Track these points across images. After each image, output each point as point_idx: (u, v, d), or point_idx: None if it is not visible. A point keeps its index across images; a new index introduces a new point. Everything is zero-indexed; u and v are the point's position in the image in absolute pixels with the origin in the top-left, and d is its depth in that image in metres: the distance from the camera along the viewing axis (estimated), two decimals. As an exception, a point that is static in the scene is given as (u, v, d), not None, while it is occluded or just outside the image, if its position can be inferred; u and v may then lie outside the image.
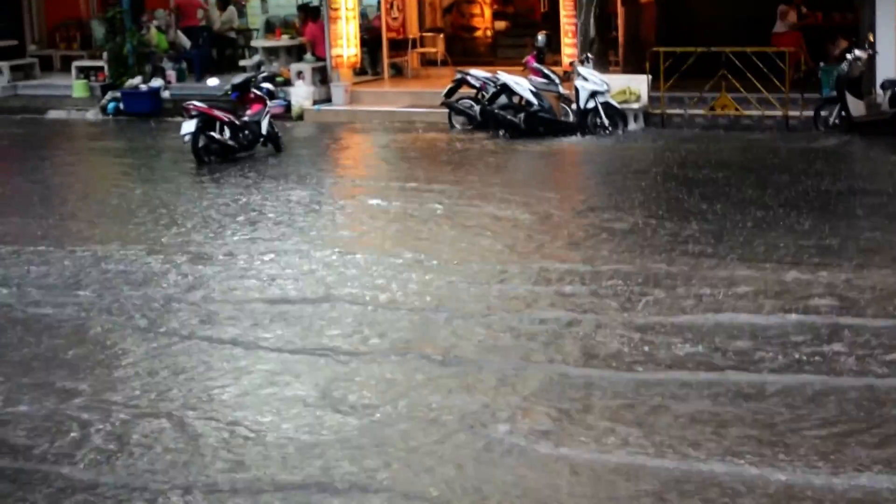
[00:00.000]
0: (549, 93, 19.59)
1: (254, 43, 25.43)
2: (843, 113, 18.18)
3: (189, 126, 17.64)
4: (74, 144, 21.56)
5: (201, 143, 17.79)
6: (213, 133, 17.81)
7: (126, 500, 6.88)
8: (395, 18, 24.76)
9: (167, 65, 24.63)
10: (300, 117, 22.19)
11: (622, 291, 10.45)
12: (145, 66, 24.29)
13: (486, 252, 12.12)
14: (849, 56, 18.20)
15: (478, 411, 7.94)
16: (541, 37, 21.22)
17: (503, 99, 19.62)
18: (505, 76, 19.73)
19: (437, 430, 7.67)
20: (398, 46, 24.90)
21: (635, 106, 19.55)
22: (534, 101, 19.32)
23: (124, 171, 18.52)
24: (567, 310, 10.05)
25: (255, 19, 27.10)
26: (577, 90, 19.27)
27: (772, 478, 6.82)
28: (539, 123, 19.29)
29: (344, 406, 8.12)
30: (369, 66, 24.30)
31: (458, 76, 20.50)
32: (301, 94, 22.44)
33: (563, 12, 21.02)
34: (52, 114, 24.33)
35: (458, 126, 20.25)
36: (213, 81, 20.46)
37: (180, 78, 24.66)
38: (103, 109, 23.79)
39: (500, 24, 27.00)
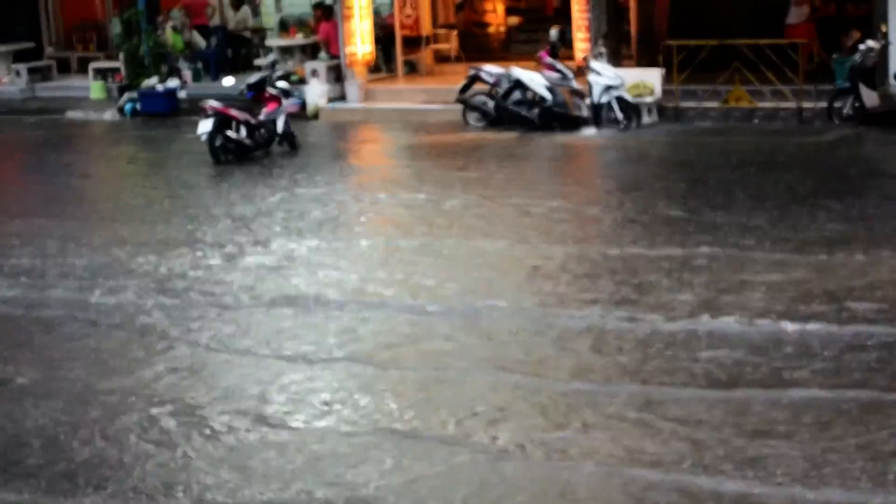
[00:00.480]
0: (563, 87, 19.67)
1: (268, 42, 25.53)
2: (857, 104, 18.19)
3: (205, 125, 17.75)
4: (93, 145, 21.70)
5: (218, 142, 17.91)
6: (229, 132, 17.93)
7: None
8: (408, 16, 24.82)
9: (183, 65, 24.76)
10: (315, 116, 22.29)
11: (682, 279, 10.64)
12: (161, 66, 24.39)
13: (544, 239, 12.41)
14: (862, 47, 18.21)
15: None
16: (554, 32, 21.26)
17: (517, 94, 19.70)
18: (518, 72, 19.81)
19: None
20: (412, 43, 24.97)
21: (649, 100, 19.58)
22: (547, 96, 19.40)
23: (143, 171, 18.71)
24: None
25: (270, 18, 27.19)
26: (590, 85, 19.32)
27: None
28: (553, 118, 19.36)
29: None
30: (383, 63, 24.37)
31: (472, 72, 20.53)
32: (316, 92, 22.53)
33: (575, 7, 21.04)
34: (70, 115, 24.48)
35: (472, 122, 20.31)
36: (228, 81, 20.59)
37: (196, 78, 24.79)
38: (120, 110, 23.92)
39: (513, 20, 27.03)
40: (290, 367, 9.01)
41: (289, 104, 19.20)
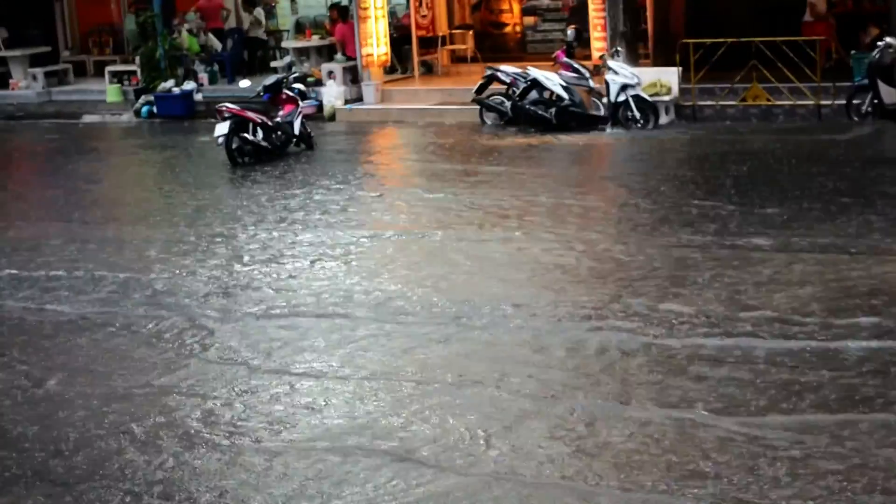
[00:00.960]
0: (580, 87, 19.63)
1: (284, 44, 25.58)
2: (876, 101, 18.09)
3: (222, 128, 17.75)
4: (110, 148, 21.73)
5: (235, 144, 17.91)
6: (246, 134, 17.93)
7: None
8: (424, 16, 24.82)
9: (199, 67, 24.79)
10: (332, 117, 22.29)
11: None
12: (177, 69, 24.44)
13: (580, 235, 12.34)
14: (880, 44, 18.10)
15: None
16: (570, 31, 21.27)
17: (534, 94, 19.68)
18: (535, 71, 19.78)
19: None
20: (428, 44, 24.96)
21: (666, 98, 19.53)
22: (564, 95, 19.36)
23: (161, 174, 18.69)
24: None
25: (286, 20, 27.24)
26: (607, 84, 19.27)
27: None
28: (570, 118, 19.32)
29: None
30: (399, 64, 24.36)
31: (489, 72, 20.52)
32: (332, 93, 22.53)
33: (591, 6, 21.01)
34: (87, 118, 24.54)
35: (489, 122, 20.29)
36: (244, 83, 20.62)
37: (212, 80, 24.81)
38: (137, 113, 23.97)
39: (529, 20, 27.00)
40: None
41: (305, 106, 19.19)
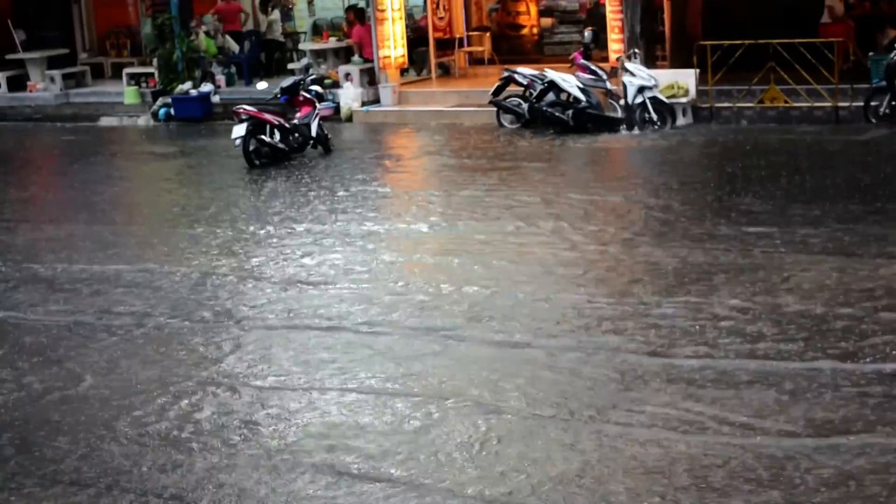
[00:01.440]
0: (597, 89, 19.63)
1: (301, 46, 25.61)
2: (894, 102, 18.05)
3: (239, 130, 17.80)
4: (128, 151, 21.79)
5: (252, 146, 17.95)
6: (263, 136, 17.98)
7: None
8: (441, 18, 24.83)
9: (216, 69, 24.84)
10: (349, 119, 22.32)
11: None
12: (195, 71, 24.49)
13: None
14: (898, 45, 18.11)
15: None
16: (587, 33, 21.26)
17: (551, 96, 19.67)
18: (552, 73, 19.79)
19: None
20: (445, 46, 24.97)
21: (683, 100, 19.49)
22: (581, 97, 19.35)
23: (179, 176, 18.72)
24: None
25: (303, 22, 27.25)
26: (624, 86, 19.26)
27: None
28: (587, 120, 19.31)
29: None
30: (414, 66, 24.37)
31: (506, 74, 20.53)
32: (349, 95, 22.56)
33: (609, 8, 20.99)
34: (105, 121, 24.63)
35: (506, 124, 20.29)
36: (262, 85, 20.67)
37: (230, 82, 24.85)
38: (154, 115, 24.04)
39: (547, 21, 26.99)
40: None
41: (322, 108, 19.22)
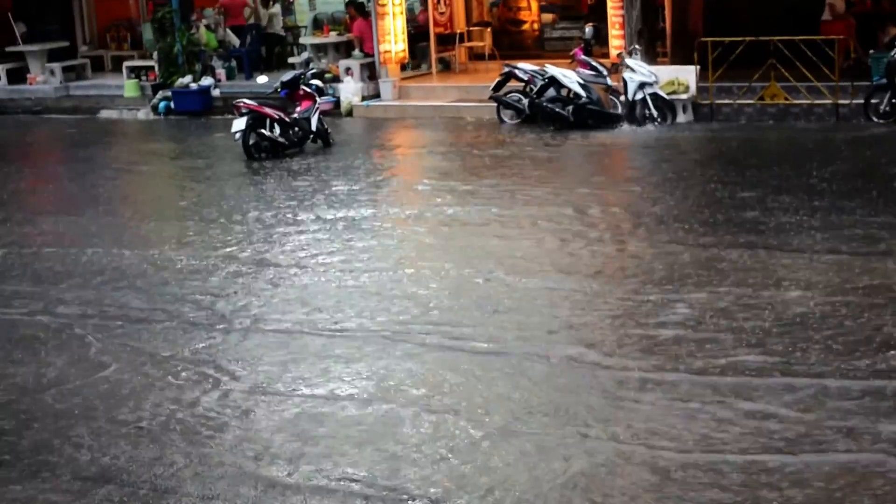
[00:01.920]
0: (598, 85, 19.59)
1: (302, 40, 25.58)
2: (894, 100, 18.05)
3: (239, 124, 17.80)
4: (128, 144, 21.76)
5: (252, 140, 17.95)
6: (263, 130, 17.97)
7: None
8: (441, 13, 24.81)
9: (217, 63, 24.81)
10: (349, 113, 22.32)
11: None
12: (195, 64, 24.46)
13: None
14: (899, 43, 18.10)
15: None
16: (588, 29, 21.26)
17: (551, 92, 19.65)
18: (553, 69, 19.77)
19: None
20: (446, 41, 24.95)
21: (684, 97, 19.48)
22: (582, 93, 19.33)
23: (179, 169, 18.75)
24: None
25: (303, 16, 27.22)
26: (625, 82, 19.24)
27: None
28: (588, 116, 19.30)
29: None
30: (412, 60, 24.35)
31: (506, 70, 20.52)
32: (350, 90, 22.55)
33: (610, 4, 20.95)
34: (105, 114, 24.62)
35: (506, 120, 20.28)
36: (262, 79, 20.65)
37: (230, 76, 24.84)
38: (154, 109, 24.03)
39: (548, 17, 26.96)
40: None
41: (322, 102, 19.21)
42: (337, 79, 22.85)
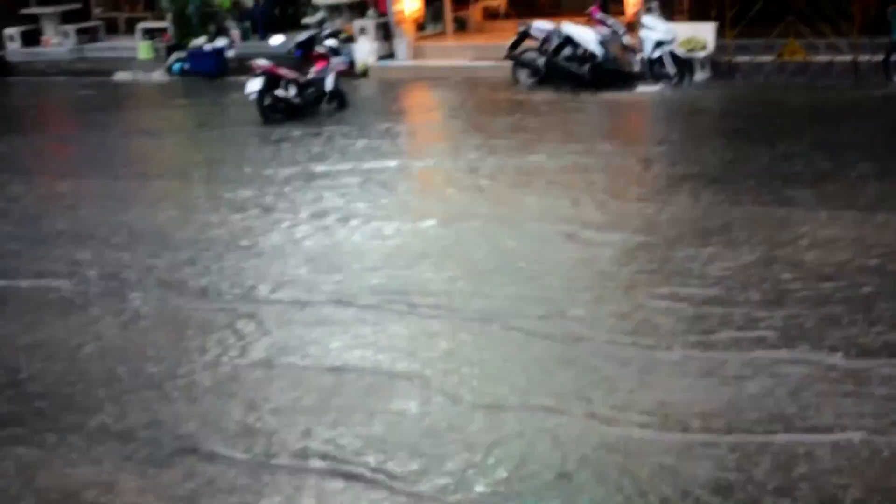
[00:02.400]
0: (614, 43, 19.45)
1: (316, 0, 25.42)
2: (914, 57, 17.93)
3: (254, 85, 17.72)
4: (143, 105, 21.67)
5: (267, 101, 17.87)
6: (278, 91, 17.89)
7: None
8: (457, -28, 24.64)
9: (231, 24, 24.69)
10: (364, 74, 22.21)
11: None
12: (209, 26, 24.36)
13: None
14: (919, -1, 17.92)
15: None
16: (605, -13, 21.06)
17: (567, 51, 19.50)
18: (569, 27, 19.61)
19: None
20: (461, 0, 24.80)
21: (702, 55, 19.34)
22: (599, 52, 19.19)
23: (195, 130, 18.66)
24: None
25: (317, -24, 27.04)
26: (642, 40, 19.10)
27: None
28: (604, 75, 19.16)
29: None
30: (431, 20, 24.22)
31: (522, 29, 20.36)
32: (365, 50, 22.43)
33: (626, -39, 20.82)
34: (119, 76, 24.54)
35: (522, 79, 20.14)
36: (276, 40, 20.51)
37: (244, 37, 24.72)
38: (169, 70, 23.96)
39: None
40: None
41: (337, 62, 19.10)
42: (351, 39, 22.72)
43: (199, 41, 23.85)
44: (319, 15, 24.12)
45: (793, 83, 18.62)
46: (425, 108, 19.89)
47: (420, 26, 23.77)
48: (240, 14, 25.12)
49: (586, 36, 19.32)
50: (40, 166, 16.23)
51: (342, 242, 11.19)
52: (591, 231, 10.97)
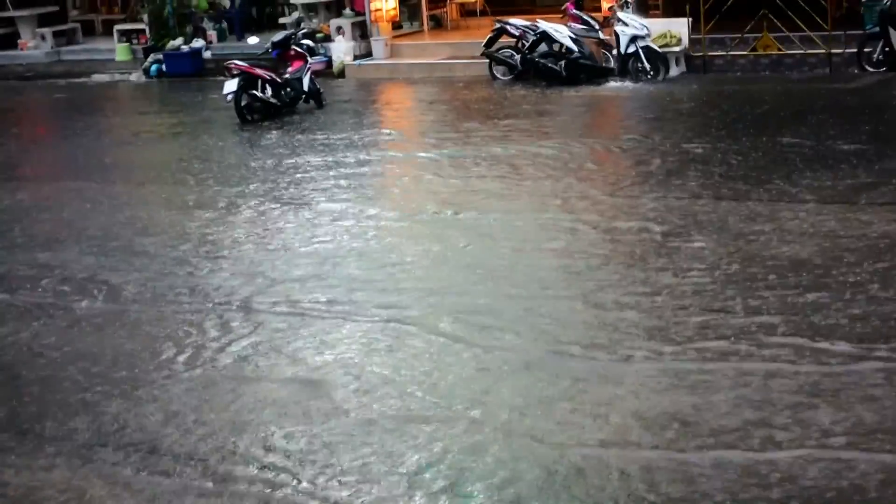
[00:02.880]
0: (590, 39, 19.54)
1: (293, 0, 25.46)
2: (887, 49, 18.01)
3: (231, 85, 17.74)
4: (121, 107, 21.72)
5: (244, 101, 17.90)
6: (255, 91, 17.92)
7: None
8: (432, -30, 24.70)
9: (207, 25, 24.74)
10: (341, 73, 22.25)
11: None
12: (186, 27, 24.40)
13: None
14: (891, -9, 18.02)
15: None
16: (580, -17, 21.14)
17: (543, 47, 19.62)
18: (544, 24, 19.71)
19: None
20: (437, -2, 24.89)
21: (676, 49, 19.45)
22: (574, 48, 19.28)
23: (173, 131, 18.66)
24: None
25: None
26: (617, 36, 19.19)
27: None
28: (580, 70, 19.26)
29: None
30: (408, 18, 24.28)
31: (498, 26, 20.45)
32: (341, 49, 22.48)
33: (601, -43, 20.89)
34: (96, 78, 24.55)
35: (499, 76, 20.24)
36: (253, 40, 20.58)
37: (221, 37, 24.77)
38: (146, 72, 23.97)
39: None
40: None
41: (314, 62, 19.16)
42: (328, 38, 22.78)
43: (177, 42, 23.88)
44: (296, 14, 24.17)
45: (767, 77, 18.74)
46: (402, 106, 19.95)
47: (396, 25, 23.84)
48: (216, 15, 25.15)
49: (562, 32, 19.42)
50: (18, 170, 16.19)
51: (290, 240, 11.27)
52: (564, 222, 11.07)
